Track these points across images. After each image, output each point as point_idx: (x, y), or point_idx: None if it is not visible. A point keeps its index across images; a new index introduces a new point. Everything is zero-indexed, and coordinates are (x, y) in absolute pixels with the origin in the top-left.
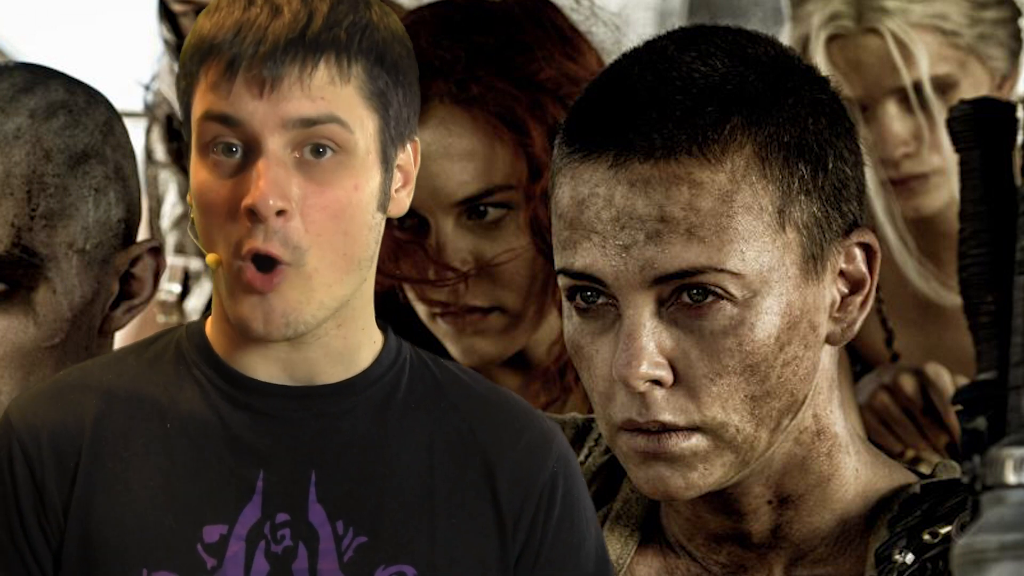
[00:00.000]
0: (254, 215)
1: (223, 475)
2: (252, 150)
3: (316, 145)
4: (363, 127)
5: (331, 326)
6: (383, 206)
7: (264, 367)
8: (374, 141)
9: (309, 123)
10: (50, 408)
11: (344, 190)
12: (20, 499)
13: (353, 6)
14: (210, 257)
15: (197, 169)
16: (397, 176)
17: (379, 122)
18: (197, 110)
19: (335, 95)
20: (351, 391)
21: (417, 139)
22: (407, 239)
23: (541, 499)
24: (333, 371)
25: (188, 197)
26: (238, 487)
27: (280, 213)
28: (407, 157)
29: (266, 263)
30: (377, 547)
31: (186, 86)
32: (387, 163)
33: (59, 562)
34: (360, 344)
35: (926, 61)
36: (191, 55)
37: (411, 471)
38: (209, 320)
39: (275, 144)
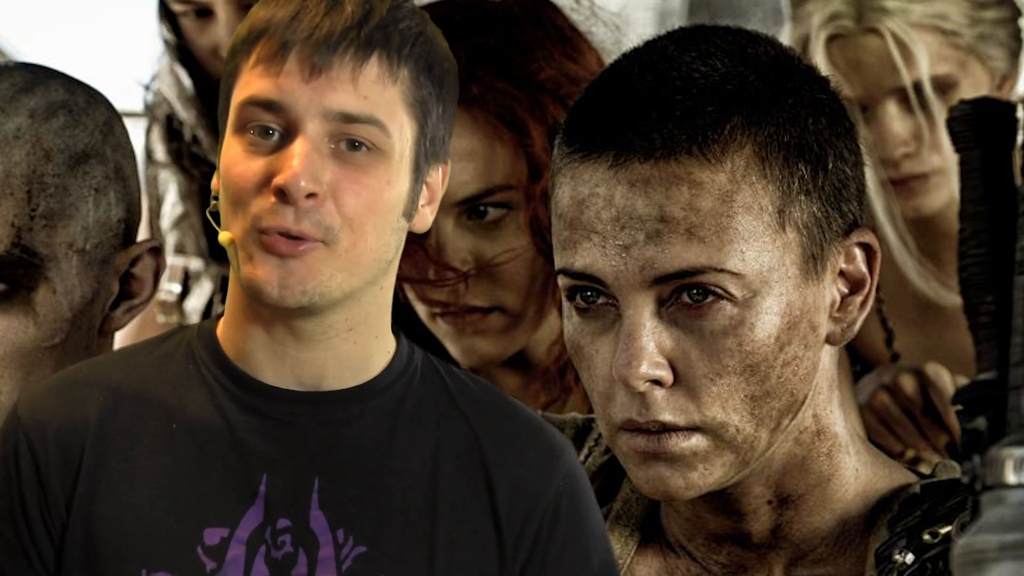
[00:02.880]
0: (284, 195)
1: (226, 478)
2: (290, 133)
3: (352, 140)
4: (401, 132)
5: (341, 328)
6: (408, 214)
7: (273, 369)
8: (410, 148)
9: (349, 119)
10: (58, 404)
11: (378, 182)
12: (24, 494)
13: (411, 14)
14: (223, 235)
15: (229, 146)
16: (424, 192)
17: (417, 131)
18: (240, 94)
19: (380, 95)
20: (359, 398)
21: (448, 163)
22: (407, 239)
23: (544, 518)
24: (342, 376)
25: (214, 182)
26: (241, 490)
27: (310, 196)
28: (437, 177)
29: (294, 240)
30: (376, 557)
31: (232, 69)
32: (418, 172)
33: (61, 557)
34: (372, 352)
35: (926, 61)
36: (242, 40)
37: (415, 482)
38: (220, 321)
39: (314, 130)
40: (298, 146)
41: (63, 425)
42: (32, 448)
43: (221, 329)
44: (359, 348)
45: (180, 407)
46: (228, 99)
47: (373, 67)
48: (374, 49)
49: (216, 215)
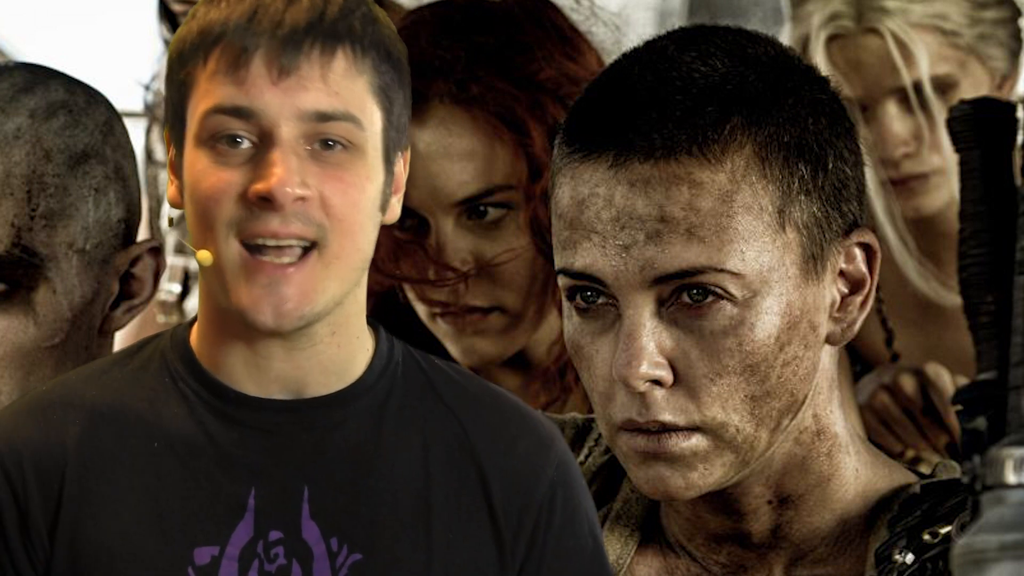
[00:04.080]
0: (268, 202)
1: (212, 494)
2: (264, 140)
3: (327, 139)
4: (372, 123)
5: (324, 333)
6: (383, 207)
7: (252, 378)
8: (380, 139)
9: (324, 117)
10: (32, 428)
11: (359, 178)
12: (4, 523)
13: (360, 0)
14: (202, 254)
15: (195, 159)
16: (392, 182)
17: (384, 119)
18: (200, 103)
19: (350, 89)
20: (343, 402)
21: (408, 150)
22: (407, 239)
23: (541, 509)
24: (325, 382)
25: (170, 194)
26: (229, 506)
27: (297, 200)
28: (400, 166)
29: (284, 248)
30: (372, 565)
31: (184, 76)
32: (389, 164)
33: None
34: (354, 353)
35: (926, 61)
36: (192, 45)
37: (406, 482)
38: (193, 328)
39: (289, 134)
40: (277, 153)
41: (39, 451)
42: (8, 476)
43: (195, 340)
44: (342, 351)
45: (159, 424)
46: (181, 109)
47: (340, 61)
48: (339, 42)
49: (176, 226)
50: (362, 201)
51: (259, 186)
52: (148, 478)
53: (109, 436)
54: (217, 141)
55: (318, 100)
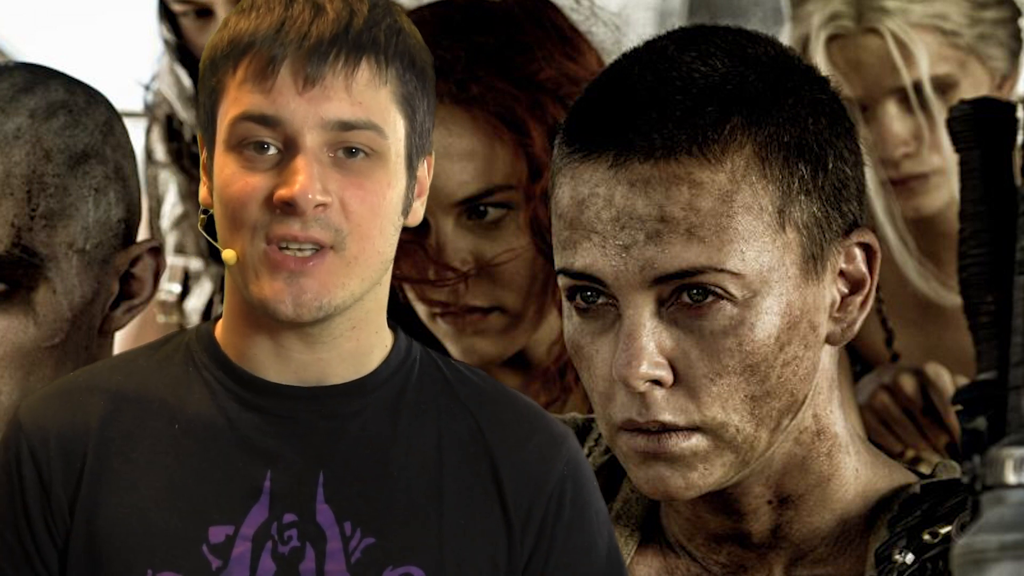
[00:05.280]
0: (291, 207)
1: (230, 475)
2: (289, 147)
3: (350, 147)
4: (395, 131)
5: (345, 327)
6: (405, 211)
7: (274, 368)
8: (403, 145)
9: (347, 126)
10: (59, 409)
11: (380, 185)
12: (27, 500)
13: (387, 10)
14: (227, 253)
15: (224, 164)
16: (415, 186)
17: (408, 127)
18: (230, 110)
19: (373, 99)
20: (360, 391)
21: (432, 155)
22: (407, 239)
23: (550, 503)
24: (343, 372)
25: (202, 195)
26: (245, 487)
27: (318, 207)
28: (424, 170)
29: (303, 249)
30: (385, 548)
31: (215, 84)
32: (412, 169)
33: (65, 561)
34: (372, 347)
35: (926, 61)
36: (223, 53)
37: (420, 471)
38: (219, 323)
39: (313, 141)
40: (301, 160)
41: (65, 430)
42: (34, 454)
43: (220, 333)
44: (361, 345)
45: (181, 408)
46: (212, 114)
47: (364, 71)
48: (363, 53)
49: (209, 230)
50: (382, 206)
51: (283, 192)
52: (167, 458)
53: (132, 417)
54: (245, 147)
55: (341, 110)
